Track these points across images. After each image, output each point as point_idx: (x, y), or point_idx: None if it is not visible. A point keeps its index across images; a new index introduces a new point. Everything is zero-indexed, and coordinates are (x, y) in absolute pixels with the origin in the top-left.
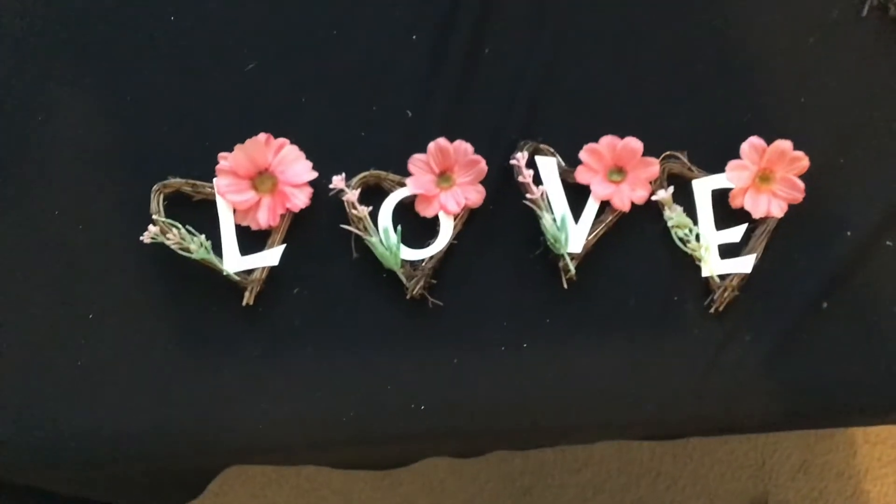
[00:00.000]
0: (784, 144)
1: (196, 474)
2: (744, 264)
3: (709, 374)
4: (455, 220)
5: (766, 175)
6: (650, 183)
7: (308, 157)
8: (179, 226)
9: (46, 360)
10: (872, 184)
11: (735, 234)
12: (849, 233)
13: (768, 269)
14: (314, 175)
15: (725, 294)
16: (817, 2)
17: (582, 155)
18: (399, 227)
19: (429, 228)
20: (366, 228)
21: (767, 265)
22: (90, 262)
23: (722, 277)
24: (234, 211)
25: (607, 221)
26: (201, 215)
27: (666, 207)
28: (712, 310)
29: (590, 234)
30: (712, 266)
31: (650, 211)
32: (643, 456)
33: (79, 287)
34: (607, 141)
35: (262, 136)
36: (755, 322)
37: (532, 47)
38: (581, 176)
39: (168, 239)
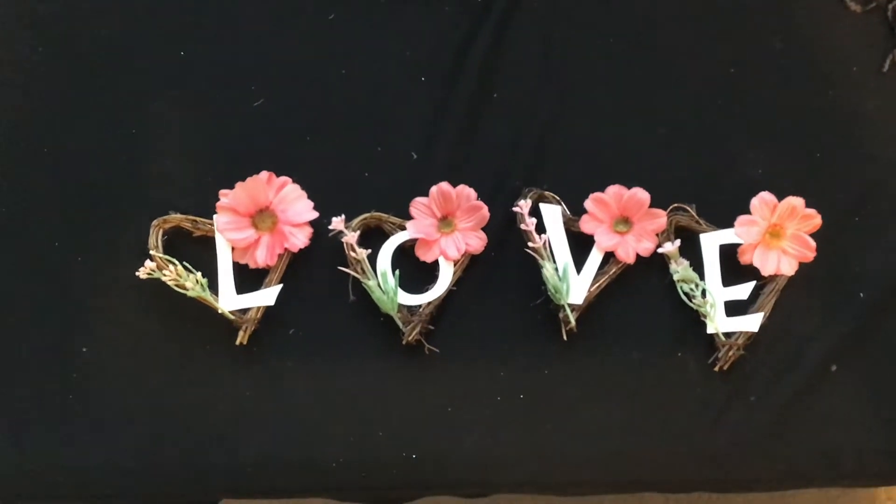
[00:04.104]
0: (796, 201)
1: None
2: (751, 323)
3: (711, 435)
4: (455, 265)
5: (776, 231)
6: (657, 235)
7: (310, 197)
8: (176, 262)
9: (39, 392)
10: (887, 244)
11: (743, 291)
12: (862, 294)
13: (776, 329)
14: (315, 215)
15: (731, 353)
16: (838, 55)
17: (587, 204)
18: (398, 272)
19: (428, 273)
20: (364, 271)
21: (775, 325)
22: (87, 295)
23: (728, 335)
24: (233, 248)
25: (611, 273)
26: (201, 251)
27: (672, 261)
28: (717, 368)
29: (592, 286)
30: (718, 323)
31: (655, 264)
32: (656, 500)
33: (74, 320)
34: (614, 191)
35: (263, 175)
36: (760, 383)
37: (540, 94)
38: (586, 225)
39: (165, 275)
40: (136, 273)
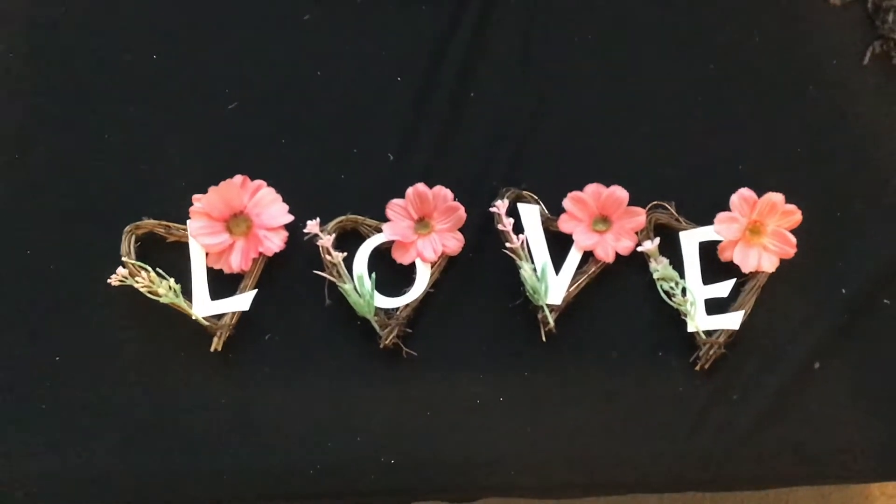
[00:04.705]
0: (776, 197)
1: None
2: (731, 321)
3: (693, 435)
4: (432, 267)
5: (756, 228)
6: (636, 233)
7: (285, 200)
8: (149, 268)
9: (12, 400)
10: (869, 239)
11: (723, 288)
12: (844, 290)
13: (757, 327)
14: (290, 218)
15: (711, 351)
16: (817, 49)
17: (565, 203)
18: (374, 274)
19: (405, 276)
20: (340, 275)
21: (757, 322)
22: (59, 303)
23: (708, 334)
24: (207, 254)
25: (590, 272)
26: (174, 257)
27: (651, 259)
28: (698, 367)
29: (571, 286)
30: (698, 321)
31: (635, 263)
32: (650, 500)
33: (47, 328)
34: (592, 189)
35: (237, 178)
36: (742, 381)
37: (517, 93)
38: (564, 225)
39: (137, 282)
40: (108, 280)
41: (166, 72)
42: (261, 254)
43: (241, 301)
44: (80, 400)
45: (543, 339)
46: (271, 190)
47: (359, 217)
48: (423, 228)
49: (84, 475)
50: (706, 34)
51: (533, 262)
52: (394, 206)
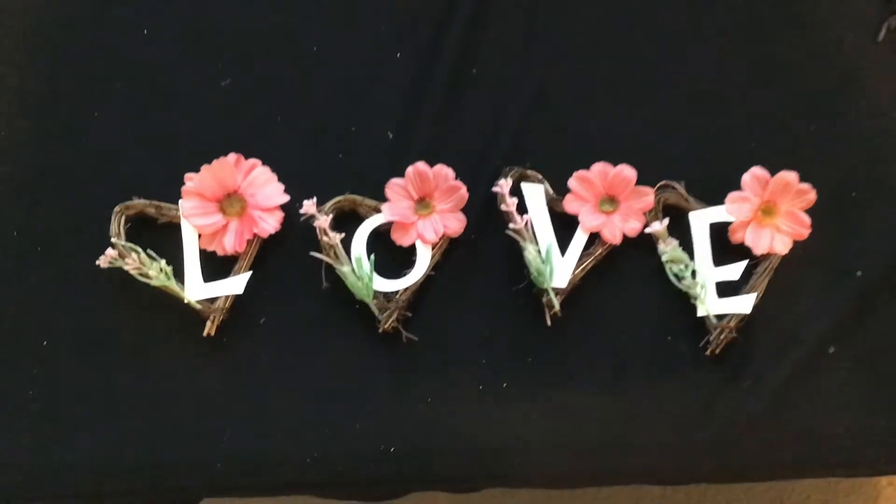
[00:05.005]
0: (789, 176)
1: None
2: (743, 304)
3: (704, 422)
4: (433, 249)
5: (769, 208)
6: (644, 214)
7: (281, 180)
8: (139, 250)
9: None
10: (885, 219)
11: (734, 271)
12: (859, 272)
13: (770, 310)
14: (286, 199)
15: (723, 336)
16: (830, 24)
17: (571, 183)
18: (373, 256)
19: (405, 258)
20: (337, 256)
21: (769, 306)
22: (46, 287)
23: (719, 318)
24: (200, 235)
25: (596, 254)
26: (166, 239)
27: (660, 241)
28: (708, 352)
29: (577, 268)
30: (709, 305)
31: (643, 244)
32: (654, 492)
33: (33, 312)
34: (599, 168)
35: (231, 157)
36: (755, 367)
37: (521, 68)
38: (570, 205)
39: (127, 264)
40: (97, 262)
41: (156, 47)
42: (255, 235)
43: (235, 284)
44: (67, 387)
45: (548, 323)
46: (266, 169)
47: (357, 197)
48: (423, 209)
49: (71, 464)
50: (716, 9)
51: (537, 244)
52: (393, 186)
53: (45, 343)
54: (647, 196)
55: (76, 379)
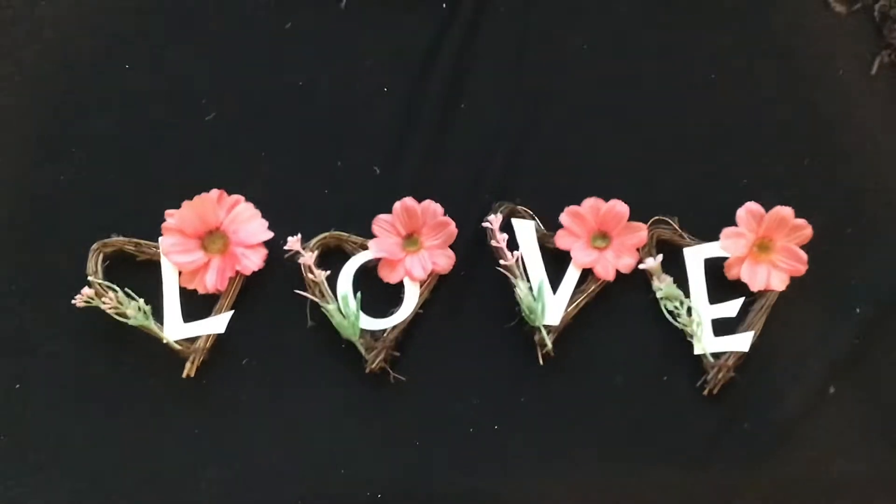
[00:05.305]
0: (784, 211)
1: None
2: (741, 342)
3: (702, 465)
4: (421, 286)
5: (764, 244)
6: (637, 250)
7: (264, 216)
8: (117, 288)
9: None
10: (883, 255)
11: (731, 308)
12: (858, 309)
13: (768, 349)
14: (269, 235)
15: (720, 375)
16: (823, 58)
17: (563, 218)
18: (359, 294)
19: (393, 295)
20: (323, 294)
21: (767, 344)
22: (20, 327)
23: (716, 356)
24: (180, 273)
25: (589, 291)
26: (145, 277)
27: (654, 277)
28: (706, 392)
29: (569, 305)
30: (705, 343)
31: (637, 281)
32: None
33: (5, 353)
34: (591, 203)
35: (213, 193)
36: (753, 407)
37: (510, 102)
38: (561, 241)
39: (104, 303)
40: (73, 301)
41: (139, 81)
42: (238, 273)
43: (217, 323)
44: (41, 432)
45: (540, 362)
46: (250, 205)
47: (343, 234)
48: (411, 245)
49: None
50: (707, 40)
51: (529, 281)
52: (380, 222)
53: (17, 385)
54: (641, 231)
55: (50, 423)
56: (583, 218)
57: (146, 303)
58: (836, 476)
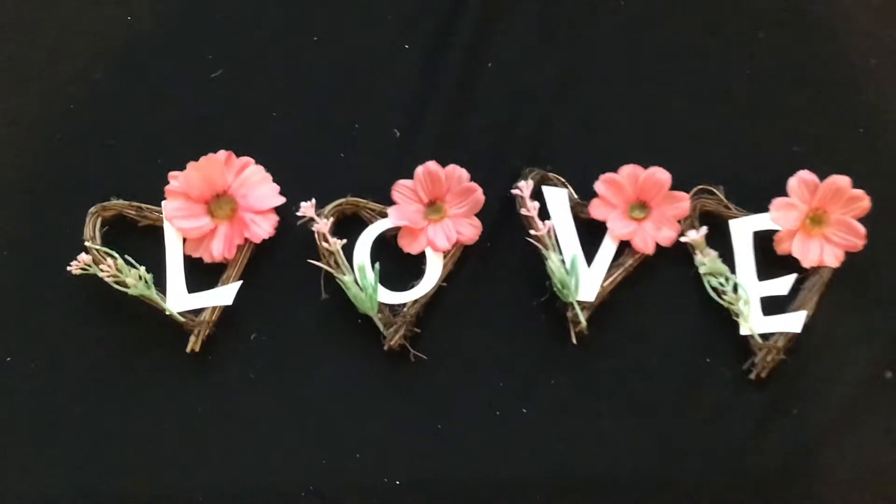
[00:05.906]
0: (841, 180)
1: None
2: (792, 322)
3: (746, 454)
4: (445, 258)
5: (818, 216)
6: (679, 222)
7: (275, 180)
8: (116, 255)
9: None
10: None
11: (781, 285)
12: None
13: (821, 330)
14: (281, 200)
15: (769, 358)
16: (879, 20)
17: (598, 186)
18: (377, 265)
19: (414, 267)
20: (338, 265)
21: (820, 324)
22: (13, 296)
23: (765, 337)
24: (185, 240)
25: (626, 265)
26: (147, 243)
27: (697, 251)
28: (753, 375)
29: (605, 280)
30: (753, 323)
31: (678, 255)
32: None
33: None
34: (628, 171)
35: (221, 154)
36: (804, 392)
37: (541, 61)
38: (596, 211)
39: (102, 270)
40: (68, 268)
41: (142, 34)
42: (247, 240)
43: (224, 294)
44: (33, 409)
45: (573, 341)
46: (260, 168)
47: (360, 200)
48: (434, 213)
49: (40, 497)
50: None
51: (561, 253)
52: (401, 188)
53: (7, 359)
54: (682, 202)
55: (44, 401)
56: (620, 186)
57: (148, 271)
58: (886, 465)
